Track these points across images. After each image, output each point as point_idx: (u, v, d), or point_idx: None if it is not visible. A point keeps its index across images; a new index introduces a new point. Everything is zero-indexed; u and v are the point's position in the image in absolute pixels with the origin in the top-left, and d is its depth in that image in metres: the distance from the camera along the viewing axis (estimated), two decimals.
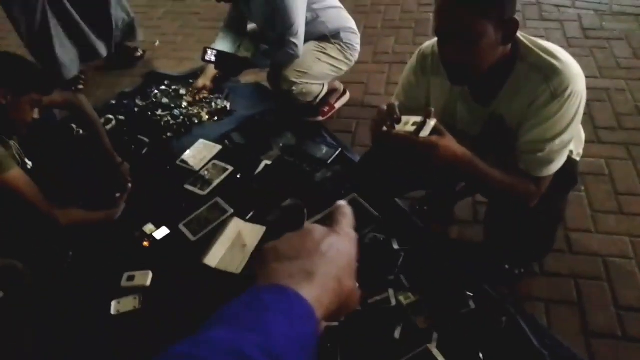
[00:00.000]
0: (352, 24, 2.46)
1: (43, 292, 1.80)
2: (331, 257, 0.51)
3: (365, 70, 2.98)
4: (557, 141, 1.30)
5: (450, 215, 2.08)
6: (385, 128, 1.24)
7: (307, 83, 2.36)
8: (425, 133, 1.22)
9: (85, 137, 2.21)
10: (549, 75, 1.28)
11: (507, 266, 1.83)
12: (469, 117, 1.47)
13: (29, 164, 1.89)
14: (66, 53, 2.80)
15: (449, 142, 1.24)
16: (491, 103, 1.40)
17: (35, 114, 1.73)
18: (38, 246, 1.86)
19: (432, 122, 1.23)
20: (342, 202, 0.60)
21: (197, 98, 2.75)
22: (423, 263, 1.84)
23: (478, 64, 1.25)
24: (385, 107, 1.27)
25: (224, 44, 2.48)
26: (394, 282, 1.79)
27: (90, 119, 2.09)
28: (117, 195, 2.15)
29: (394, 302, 1.73)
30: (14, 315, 1.51)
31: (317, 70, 2.36)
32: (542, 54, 1.30)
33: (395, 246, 1.90)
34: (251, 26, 2.58)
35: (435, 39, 1.50)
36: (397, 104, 1.27)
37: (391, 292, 1.75)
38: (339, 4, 2.43)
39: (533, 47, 1.32)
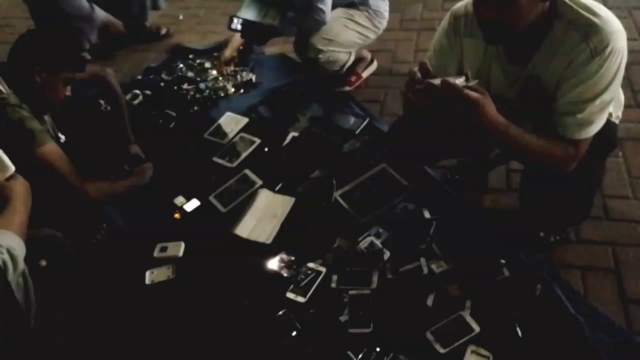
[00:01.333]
0: None
1: (79, 263, 1.85)
2: None
3: (393, 38, 2.91)
4: (597, 101, 1.25)
5: (483, 183, 2.04)
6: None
7: (333, 51, 2.32)
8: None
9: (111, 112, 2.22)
10: (588, 32, 1.22)
11: (542, 233, 1.80)
12: (504, 80, 1.43)
13: (62, 137, 1.92)
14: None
15: (491, 103, 1.21)
16: (527, 64, 1.35)
17: (68, 91, 1.75)
18: (73, 218, 1.90)
19: (472, 83, 1.20)
20: None
21: (226, 72, 2.73)
22: (455, 232, 1.81)
23: (516, 22, 1.20)
24: (416, 69, 1.24)
25: (249, 12, 2.45)
26: (426, 251, 1.77)
27: (116, 93, 2.10)
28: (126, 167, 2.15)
29: (426, 270, 1.71)
30: (55, 283, 1.55)
31: (344, 38, 2.32)
32: (580, 10, 1.25)
33: (427, 215, 1.87)
34: None
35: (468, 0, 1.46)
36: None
37: (423, 260, 1.74)
38: None
39: (571, 4, 1.26)
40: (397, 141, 1.86)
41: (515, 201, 1.86)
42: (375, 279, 1.71)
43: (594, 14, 1.22)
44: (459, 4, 1.48)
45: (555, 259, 1.76)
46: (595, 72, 1.22)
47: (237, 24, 2.32)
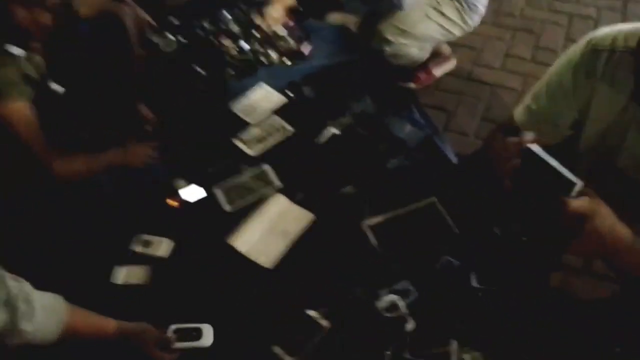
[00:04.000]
0: None
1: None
2: None
3: (481, 33, 2.39)
4: None
5: (555, 255, 1.58)
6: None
7: (405, 44, 1.85)
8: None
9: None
10: None
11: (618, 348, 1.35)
12: None
13: (59, 89, 1.56)
14: None
15: (606, 213, 0.79)
16: None
17: (47, 19, 1.35)
18: None
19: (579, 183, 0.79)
20: None
21: (266, 33, 2.27)
22: (505, 314, 1.38)
23: None
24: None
25: None
26: (461, 332, 1.36)
27: (129, 38, 1.71)
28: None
29: None
30: None
31: (422, 31, 1.84)
32: None
33: (474, 282, 1.45)
34: None
35: (616, 28, 0.98)
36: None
37: (455, 345, 1.32)
38: None
39: None
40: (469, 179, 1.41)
41: (590, 287, 1.40)
42: (389, 356, 1.32)
43: None
44: (603, 32, 1.00)
45: None
46: None
47: None
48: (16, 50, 1.39)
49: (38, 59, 1.51)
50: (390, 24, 1.83)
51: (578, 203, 0.77)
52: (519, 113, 1.18)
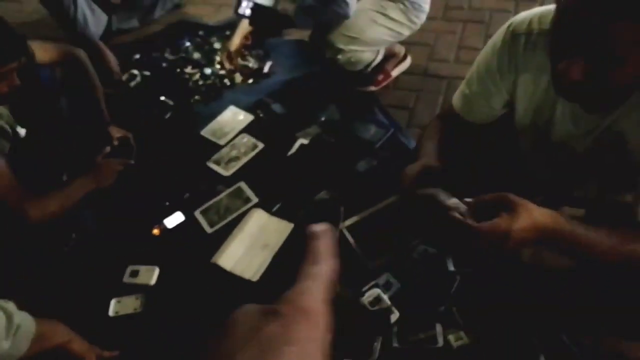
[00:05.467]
0: None
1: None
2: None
3: (433, 28, 2.48)
4: None
5: None
6: None
7: (356, 51, 1.93)
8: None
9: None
10: None
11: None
12: (572, 128, 1.04)
13: (22, 132, 1.61)
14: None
15: (526, 214, 0.87)
16: (608, 114, 0.96)
17: (15, 81, 1.40)
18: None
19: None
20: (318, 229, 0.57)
21: (231, 65, 2.33)
22: (485, 294, 1.45)
23: (612, 83, 0.82)
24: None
25: None
26: (445, 315, 1.42)
27: (89, 77, 1.78)
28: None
29: (441, 342, 1.37)
30: None
31: (370, 35, 1.91)
32: None
33: (450, 267, 1.51)
34: None
35: (532, 11, 1.07)
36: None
37: (439, 328, 1.39)
38: None
39: None
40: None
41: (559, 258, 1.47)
42: (377, 347, 1.38)
43: None
44: (520, 17, 1.08)
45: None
46: None
47: (245, 8, 1.96)
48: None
49: (3, 109, 1.56)
50: (340, 33, 1.90)
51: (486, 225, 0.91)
52: (455, 99, 1.26)
